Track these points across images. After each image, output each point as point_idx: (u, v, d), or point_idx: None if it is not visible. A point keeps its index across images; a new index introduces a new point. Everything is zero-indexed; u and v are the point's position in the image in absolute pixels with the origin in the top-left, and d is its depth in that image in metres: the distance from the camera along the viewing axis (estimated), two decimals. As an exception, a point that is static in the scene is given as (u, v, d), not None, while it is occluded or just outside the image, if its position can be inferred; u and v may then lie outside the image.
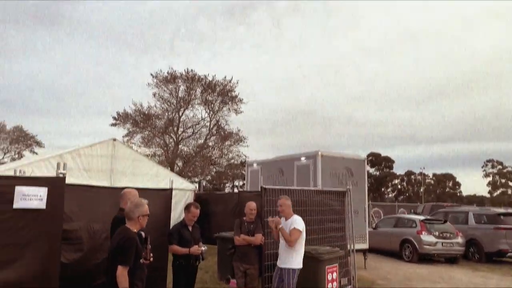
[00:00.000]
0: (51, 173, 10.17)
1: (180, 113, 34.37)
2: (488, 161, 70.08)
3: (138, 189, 5.95)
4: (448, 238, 11.14)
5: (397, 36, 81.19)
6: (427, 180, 71.15)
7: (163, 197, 6.56)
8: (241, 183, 53.58)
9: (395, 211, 22.01)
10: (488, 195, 68.39)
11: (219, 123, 34.68)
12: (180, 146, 34.89)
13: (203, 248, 5.01)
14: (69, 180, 5.13)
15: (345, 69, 76.41)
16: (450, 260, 11.39)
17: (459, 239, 11.26)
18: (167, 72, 32.92)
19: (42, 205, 3.97)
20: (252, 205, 5.94)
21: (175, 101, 34.02)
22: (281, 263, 5.16)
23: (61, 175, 4.21)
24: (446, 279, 8.86)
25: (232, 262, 5.96)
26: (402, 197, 65.55)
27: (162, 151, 34.45)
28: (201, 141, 35.08)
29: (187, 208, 5.27)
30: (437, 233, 11.11)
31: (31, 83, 61.14)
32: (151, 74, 33.19)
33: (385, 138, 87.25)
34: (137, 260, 3.55)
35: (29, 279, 3.81)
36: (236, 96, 33.84)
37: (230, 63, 58.89)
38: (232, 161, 37.01)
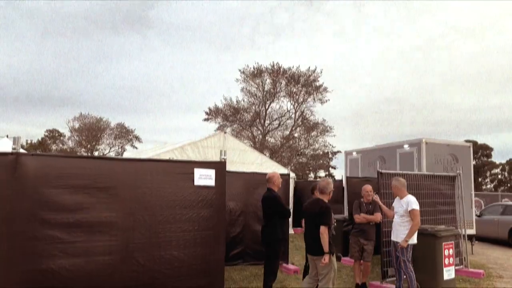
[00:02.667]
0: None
1: (266, 106, 35.75)
2: None
3: (264, 174, 7.01)
4: None
5: (494, 13, 73.95)
6: (533, 169, 64.45)
7: (284, 180, 7.57)
8: (323, 174, 53.63)
9: (498, 201, 20.86)
10: None
11: (304, 113, 35.40)
12: (267, 137, 36.31)
13: (334, 223, 5.79)
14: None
15: (435, 52, 71.56)
16: None
17: None
18: (253, 67, 34.47)
19: (212, 183, 5.06)
20: (368, 187, 6.61)
21: (261, 95, 35.46)
22: (396, 237, 5.76)
23: (223, 160, 5.28)
24: None
25: (349, 237, 6.68)
26: (503, 188, 60.36)
27: (251, 143, 36.18)
28: (287, 132, 36.18)
29: (315, 187, 6.07)
30: (551, 221, 10.71)
31: (128, 83, 67.32)
32: (239, 70, 34.89)
33: (482, 125, 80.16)
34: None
35: (202, 237, 4.89)
36: (320, 86, 34.27)
37: (311, 53, 58.90)
38: (318, 151, 37.47)
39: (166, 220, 4.64)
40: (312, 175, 50.37)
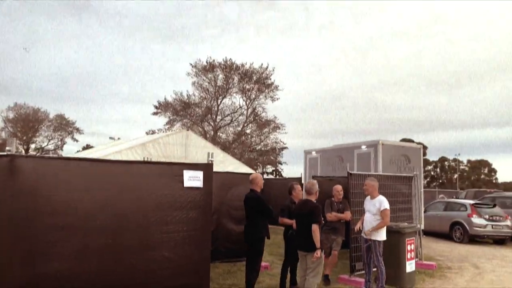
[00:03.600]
0: (135, 157, 11.66)
1: (218, 102, 35.77)
2: (526, 147, 68.88)
3: (237, 173, 7.23)
4: (498, 221, 11.94)
5: (426, 18, 79.46)
6: (461, 167, 70.37)
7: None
8: (271, 169, 54.49)
9: (435, 197, 22.65)
10: (526, 182, 67.27)
11: (256, 110, 35.85)
12: (218, 133, 36.34)
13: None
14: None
15: (374, 53, 75.75)
16: (498, 241, 12.18)
17: (508, 222, 12.03)
18: (206, 62, 34.29)
19: (200, 184, 5.15)
20: (339, 187, 7.06)
21: (213, 90, 35.40)
22: (368, 235, 6.21)
23: (210, 162, 5.38)
24: (499, 257, 9.74)
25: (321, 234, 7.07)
26: (435, 184, 65.16)
27: (202, 138, 35.86)
28: (239, 128, 36.45)
29: (293, 188, 6.36)
30: (487, 216, 11.93)
31: (64, 71, 63.77)
32: (191, 64, 34.52)
33: (417, 124, 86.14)
34: None
35: (191, 237, 4.96)
36: (272, 84, 34.88)
37: (258, 49, 59.62)
38: (269, 147, 38.11)
39: (158, 221, 4.68)
40: (260, 170, 51.14)
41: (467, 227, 11.98)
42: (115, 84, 64.92)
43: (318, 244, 4.91)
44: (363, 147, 10.99)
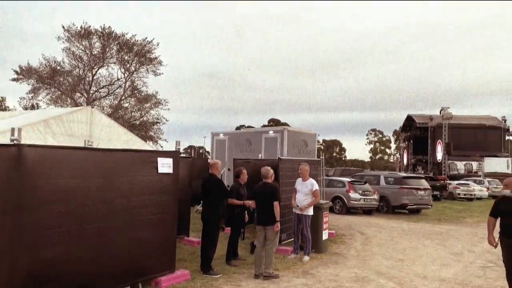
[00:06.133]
0: (38, 136, 10.85)
1: (93, 71, 33.36)
2: (372, 130, 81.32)
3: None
4: (368, 195, 14.61)
5: (301, 5, 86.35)
6: (317, 145, 79.26)
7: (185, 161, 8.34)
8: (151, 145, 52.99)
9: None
10: (368, 160, 79.73)
11: (135, 84, 34.51)
12: (93, 106, 33.92)
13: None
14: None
15: (248, 34, 79.33)
16: (367, 212, 14.92)
17: (375, 196, 14.83)
18: (81, 27, 31.51)
19: (170, 170, 5.51)
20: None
21: (87, 58, 32.81)
22: (300, 210, 7.36)
23: (178, 149, 5.73)
24: (374, 224, 12.13)
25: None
26: (297, 161, 71.98)
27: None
28: (116, 102, 34.66)
29: (241, 172, 7.05)
30: (360, 192, 14.49)
31: None
32: (63, 27, 31.28)
33: (283, 105, 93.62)
34: None
35: (163, 218, 5.34)
36: (155, 58, 33.87)
37: (133, 16, 56.43)
38: (146, 119, 37.02)
39: (138, 205, 5.02)
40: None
41: (346, 201, 14.39)
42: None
43: (278, 218, 5.84)
44: (271, 132, 12.19)
